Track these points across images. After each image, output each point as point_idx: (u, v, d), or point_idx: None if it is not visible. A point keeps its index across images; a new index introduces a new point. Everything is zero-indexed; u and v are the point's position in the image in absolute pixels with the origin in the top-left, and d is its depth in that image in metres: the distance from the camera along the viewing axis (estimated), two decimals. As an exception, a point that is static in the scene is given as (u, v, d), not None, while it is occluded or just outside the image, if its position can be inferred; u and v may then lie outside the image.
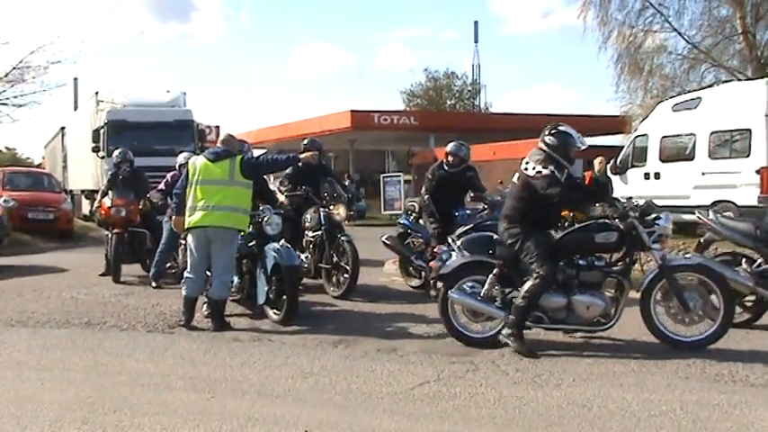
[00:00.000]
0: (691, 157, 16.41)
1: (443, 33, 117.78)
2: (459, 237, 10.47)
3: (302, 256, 10.35)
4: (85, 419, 5.32)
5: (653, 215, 7.25)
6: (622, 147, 20.76)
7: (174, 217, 9.21)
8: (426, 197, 10.85)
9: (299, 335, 8.11)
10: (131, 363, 7.01)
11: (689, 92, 22.29)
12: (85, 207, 26.67)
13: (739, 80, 23.51)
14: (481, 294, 7.48)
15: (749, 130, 15.47)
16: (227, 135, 9.07)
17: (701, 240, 9.26)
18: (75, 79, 43.18)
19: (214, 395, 5.91)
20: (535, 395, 5.82)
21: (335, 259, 10.65)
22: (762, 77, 20.86)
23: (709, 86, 21.67)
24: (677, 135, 17.10)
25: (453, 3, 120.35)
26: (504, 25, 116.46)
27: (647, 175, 17.87)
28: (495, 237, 7.58)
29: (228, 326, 8.45)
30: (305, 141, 11.70)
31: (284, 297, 8.55)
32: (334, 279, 10.71)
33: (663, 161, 17.42)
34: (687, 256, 9.13)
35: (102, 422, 5.27)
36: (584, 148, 7.52)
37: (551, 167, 7.24)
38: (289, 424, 5.20)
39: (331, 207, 10.84)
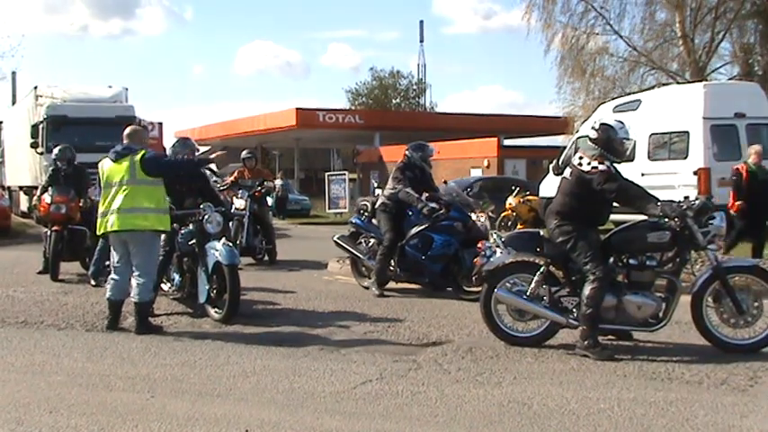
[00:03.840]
0: (630, 158, 16.62)
1: (387, 33, 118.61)
2: (413, 236, 10.47)
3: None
4: (20, 420, 5.21)
5: (707, 215, 7.03)
6: (564, 147, 21.05)
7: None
8: (408, 189, 10.44)
9: (240, 334, 8.05)
10: (69, 362, 6.89)
11: (629, 94, 22.71)
12: (23, 203, 26.13)
13: (678, 83, 24.02)
14: (527, 293, 7.32)
15: (687, 133, 15.79)
16: (132, 129, 8.63)
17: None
18: (14, 73, 42.21)
19: (154, 395, 5.83)
20: (476, 393, 5.86)
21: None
22: (700, 81, 21.39)
23: (649, 89, 22.10)
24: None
25: (397, 3, 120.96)
26: (448, 26, 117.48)
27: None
28: (543, 234, 7.45)
29: (155, 329, 8.20)
30: None
31: (226, 296, 8.45)
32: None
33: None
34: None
35: (37, 423, 5.17)
36: (630, 139, 7.28)
37: (607, 163, 7.10)
38: (230, 424, 5.16)
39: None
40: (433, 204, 10.37)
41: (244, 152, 15.30)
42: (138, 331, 8.05)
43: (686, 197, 7.25)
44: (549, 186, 19.89)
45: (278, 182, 31.31)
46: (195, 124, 58.50)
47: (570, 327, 7.22)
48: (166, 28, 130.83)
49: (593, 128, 7.35)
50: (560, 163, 19.32)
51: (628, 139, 7.28)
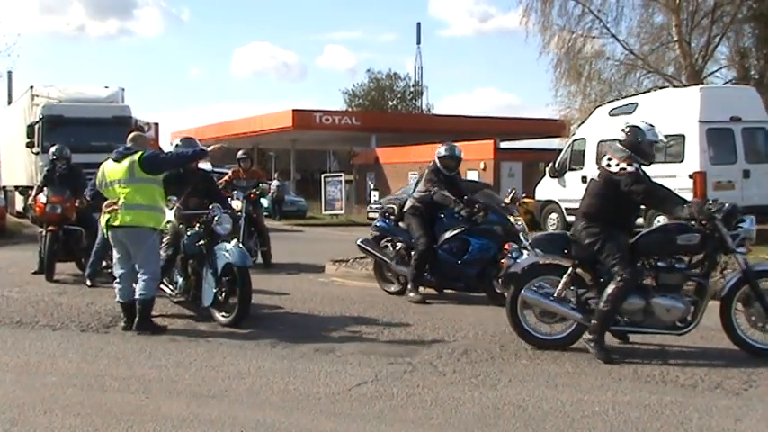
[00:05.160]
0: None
1: (383, 35, 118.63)
2: (447, 240, 10.18)
3: None
4: (15, 421, 5.21)
5: (737, 218, 6.92)
6: (561, 150, 21.07)
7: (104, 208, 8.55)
8: (444, 191, 10.17)
9: (236, 335, 8.03)
10: (64, 363, 6.89)
11: (626, 97, 22.75)
12: (19, 203, 26.10)
13: (674, 86, 24.06)
14: (554, 295, 7.26)
15: (683, 136, 15.84)
16: (136, 134, 8.79)
17: None
18: (10, 72, 42.08)
19: (149, 396, 5.83)
20: (471, 396, 5.86)
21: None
22: (696, 84, 21.42)
23: (646, 92, 22.12)
24: (614, 139, 17.35)
25: (393, 5, 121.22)
26: (444, 29, 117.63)
27: (584, 179, 18.12)
28: (571, 236, 7.36)
29: (157, 328, 8.20)
30: None
31: (235, 299, 8.32)
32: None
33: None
34: None
35: (32, 423, 5.16)
36: (659, 141, 7.23)
37: (636, 165, 7.05)
38: (224, 425, 5.16)
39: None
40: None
41: (239, 153, 15.35)
42: (139, 328, 8.07)
43: (715, 200, 7.14)
44: (546, 189, 19.93)
45: (275, 183, 31.36)
46: (192, 125, 58.48)
47: None
48: (163, 29, 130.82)
49: (622, 130, 7.29)
50: (556, 166, 19.37)
51: (657, 142, 7.23)
